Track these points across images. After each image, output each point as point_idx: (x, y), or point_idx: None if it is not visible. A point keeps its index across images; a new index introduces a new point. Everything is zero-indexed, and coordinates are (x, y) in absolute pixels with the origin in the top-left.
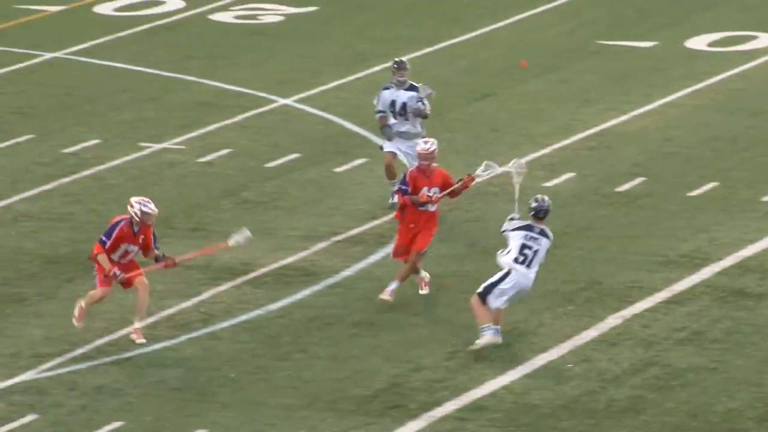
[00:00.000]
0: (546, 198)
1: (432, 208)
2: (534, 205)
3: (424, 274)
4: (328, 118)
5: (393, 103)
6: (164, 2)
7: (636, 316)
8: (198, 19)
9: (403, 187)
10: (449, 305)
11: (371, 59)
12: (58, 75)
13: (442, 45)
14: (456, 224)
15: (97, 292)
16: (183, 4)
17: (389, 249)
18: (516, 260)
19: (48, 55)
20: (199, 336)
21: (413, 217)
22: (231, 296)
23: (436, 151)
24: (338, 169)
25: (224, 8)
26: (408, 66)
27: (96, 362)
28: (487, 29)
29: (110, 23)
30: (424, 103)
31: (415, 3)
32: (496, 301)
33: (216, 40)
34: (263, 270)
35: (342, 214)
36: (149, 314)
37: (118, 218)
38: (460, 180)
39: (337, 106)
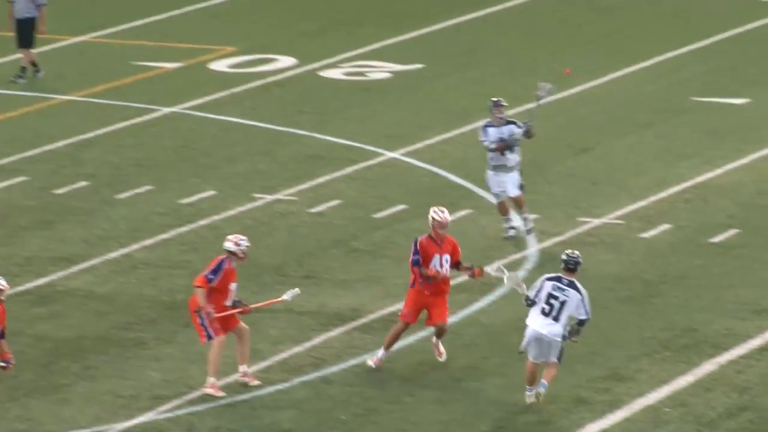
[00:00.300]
0: (576, 252)
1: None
2: (564, 257)
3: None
4: (433, 170)
5: (500, 140)
6: (277, 59)
7: (731, 362)
8: (309, 75)
9: (413, 258)
10: None
11: (475, 114)
12: (175, 129)
13: (543, 101)
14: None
15: (214, 354)
16: (295, 62)
17: (493, 297)
18: (543, 311)
19: (165, 110)
20: (311, 379)
21: (428, 285)
22: (341, 341)
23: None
24: None
25: (334, 65)
26: (501, 104)
27: (212, 404)
28: (586, 86)
29: (225, 79)
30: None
31: (517, 61)
32: (530, 355)
33: (326, 95)
34: (372, 316)
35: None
36: (263, 359)
37: (218, 258)
38: (470, 267)
39: (443, 159)
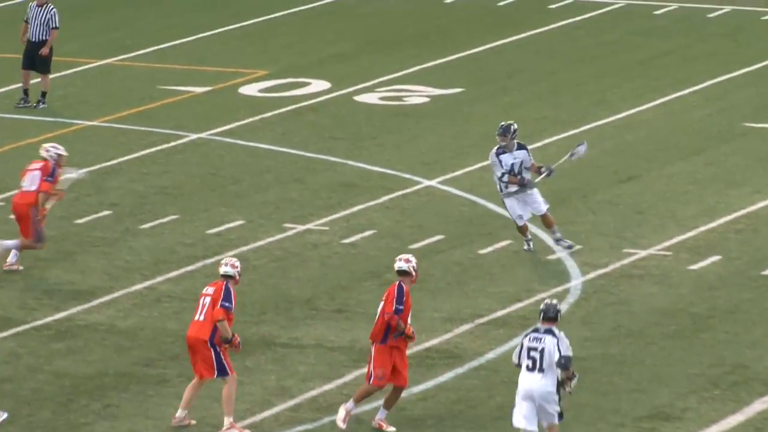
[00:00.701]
0: (555, 300)
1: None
2: (542, 307)
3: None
4: (472, 199)
5: (512, 165)
6: (310, 83)
7: None
8: (343, 100)
9: (399, 307)
10: (594, 389)
11: (517, 139)
12: (202, 155)
13: (588, 126)
14: (600, 307)
15: (234, 391)
16: (328, 86)
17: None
18: (527, 367)
19: (193, 136)
20: None
21: (400, 341)
22: None
23: None
24: (483, 251)
25: (369, 90)
26: (511, 129)
27: None
28: (633, 111)
29: (255, 104)
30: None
31: (560, 85)
32: (514, 420)
33: (361, 121)
34: (407, 352)
35: (486, 296)
36: (291, 396)
37: (221, 285)
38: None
39: (482, 188)
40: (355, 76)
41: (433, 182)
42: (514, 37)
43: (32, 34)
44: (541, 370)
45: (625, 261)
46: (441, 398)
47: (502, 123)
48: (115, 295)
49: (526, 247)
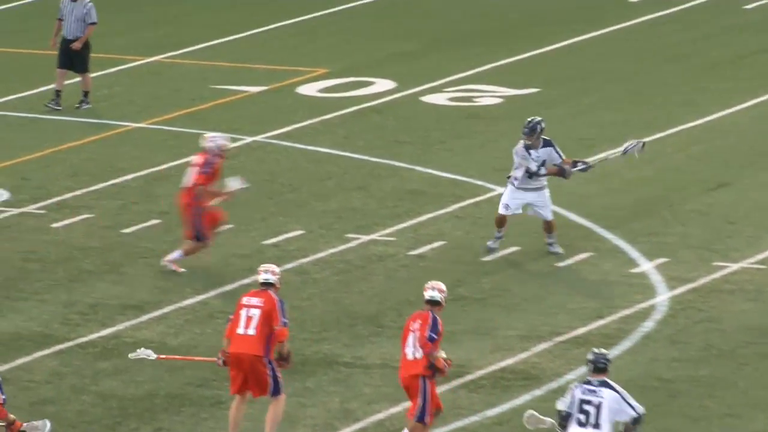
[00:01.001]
0: (604, 350)
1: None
2: (590, 357)
3: None
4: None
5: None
6: (374, 83)
7: None
8: (409, 101)
9: (434, 336)
10: (683, 414)
11: (597, 145)
12: (258, 160)
13: (675, 130)
14: (689, 325)
15: (280, 410)
16: (394, 85)
17: (616, 351)
18: (579, 422)
19: (248, 139)
20: None
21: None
22: (445, 401)
23: None
24: (561, 264)
25: (438, 90)
26: (538, 129)
27: None
28: (724, 113)
29: (314, 105)
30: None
31: (644, 85)
32: None
33: (429, 123)
34: (480, 372)
35: (565, 313)
36: (356, 420)
37: (273, 299)
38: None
39: (560, 196)
40: (422, 75)
41: None
42: (594, 34)
43: (67, 31)
44: (596, 426)
45: (716, 275)
46: (517, 422)
47: (529, 120)
48: (166, 310)
49: (491, 242)
